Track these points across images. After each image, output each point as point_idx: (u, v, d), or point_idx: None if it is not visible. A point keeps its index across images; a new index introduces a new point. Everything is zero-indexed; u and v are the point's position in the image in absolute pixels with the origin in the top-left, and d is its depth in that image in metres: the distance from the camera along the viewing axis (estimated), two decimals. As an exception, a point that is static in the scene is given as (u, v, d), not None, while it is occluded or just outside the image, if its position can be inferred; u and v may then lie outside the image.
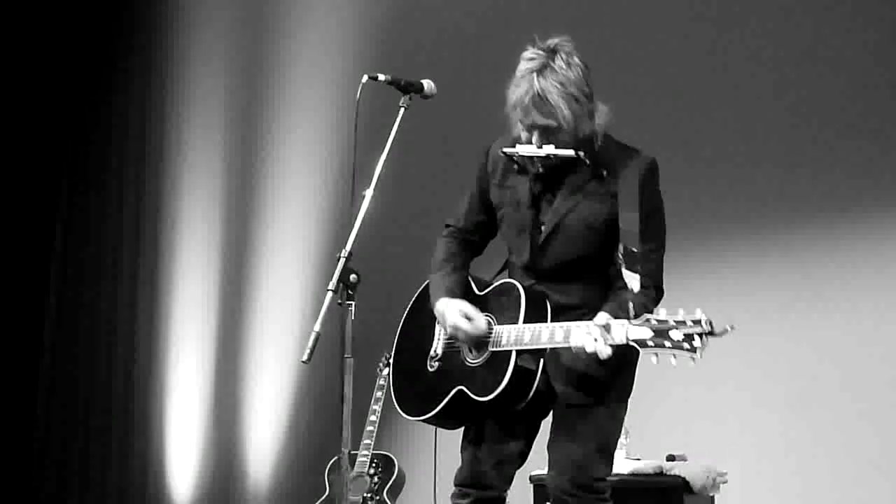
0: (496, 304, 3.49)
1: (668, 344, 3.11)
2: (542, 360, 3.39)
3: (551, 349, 3.36)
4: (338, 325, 3.23)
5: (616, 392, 3.46)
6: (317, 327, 3.15)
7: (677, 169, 5.89)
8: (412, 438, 6.01)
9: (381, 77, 3.50)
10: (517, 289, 3.45)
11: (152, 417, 7.32)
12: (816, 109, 5.66)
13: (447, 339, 3.55)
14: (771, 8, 5.83)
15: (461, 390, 3.45)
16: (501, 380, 3.35)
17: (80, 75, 7.62)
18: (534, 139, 3.38)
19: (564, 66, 3.32)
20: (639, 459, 4.93)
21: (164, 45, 7.62)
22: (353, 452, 5.85)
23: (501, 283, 3.53)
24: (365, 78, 3.48)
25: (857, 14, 5.62)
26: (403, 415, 3.62)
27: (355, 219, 3.34)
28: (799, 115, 5.70)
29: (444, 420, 3.59)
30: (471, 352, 3.48)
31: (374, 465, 5.88)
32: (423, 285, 3.68)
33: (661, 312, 3.16)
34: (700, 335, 3.09)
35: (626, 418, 4.93)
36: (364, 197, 3.35)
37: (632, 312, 3.16)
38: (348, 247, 3.28)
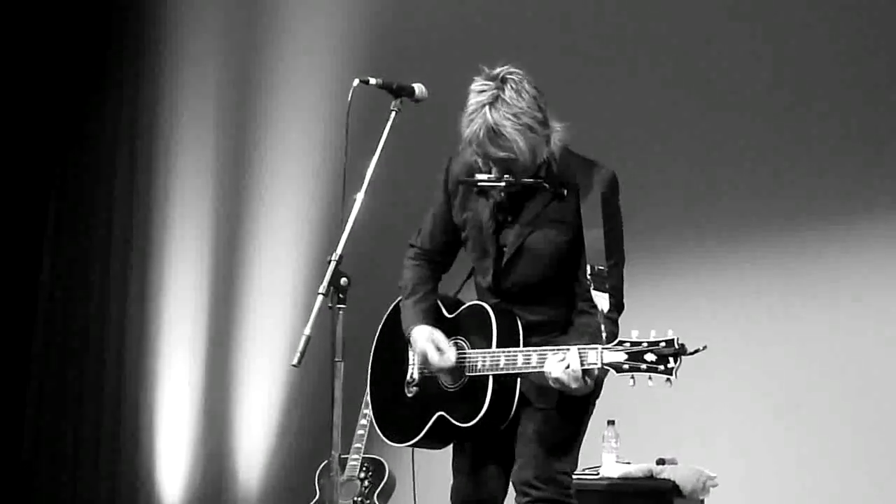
0: (468, 327, 3.51)
1: (643, 366, 3.18)
2: (518, 382, 3.43)
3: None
4: (328, 328, 3.24)
5: (580, 398, 3.43)
6: (307, 331, 3.15)
7: (671, 171, 5.94)
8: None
9: (373, 81, 3.51)
10: (488, 313, 3.46)
11: (142, 420, 7.30)
12: (809, 111, 5.67)
13: (421, 365, 3.57)
14: (758, 9, 5.85)
15: (441, 416, 3.49)
16: (481, 406, 3.39)
17: (71, 79, 7.60)
18: (493, 171, 3.39)
19: (515, 96, 3.30)
20: (629, 463, 4.93)
21: (154, 49, 7.60)
22: (343, 456, 5.83)
23: (471, 306, 3.56)
24: (356, 81, 3.49)
25: (829, 23, 5.64)
26: (387, 441, 3.65)
27: (346, 222, 3.34)
28: (791, 117, 5.70)
29: (428, 444, 3.63)
30: (447, 376, 3.50)
31: (364, 468, 5.87)
32: (393, 306, 3.71)
33: (633, 334, 3.21)
34: (673, 356, 3.15)
35: (616, 422, 4.98)
36: (355, 200, 3.36)
37: (604, 335, 3.21)
38: (339, 250, 3.28)
